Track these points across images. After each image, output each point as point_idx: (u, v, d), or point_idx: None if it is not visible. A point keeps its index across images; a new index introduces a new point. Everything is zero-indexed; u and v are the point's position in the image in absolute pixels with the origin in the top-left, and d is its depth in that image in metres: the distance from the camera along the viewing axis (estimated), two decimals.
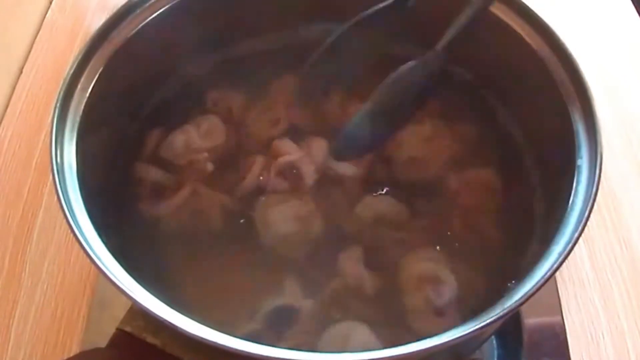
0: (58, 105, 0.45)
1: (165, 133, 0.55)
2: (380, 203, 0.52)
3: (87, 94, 0.47)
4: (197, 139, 0.55)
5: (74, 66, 0.47)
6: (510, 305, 0.37)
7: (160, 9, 0.51)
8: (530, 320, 0.57)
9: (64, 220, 0.40)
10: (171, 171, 0.54)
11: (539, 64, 0.48)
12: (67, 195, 0.42)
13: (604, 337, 0.57)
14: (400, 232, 0.51)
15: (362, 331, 0.46)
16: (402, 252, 0.50)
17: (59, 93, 0.45)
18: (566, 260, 0.39)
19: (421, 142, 0.55)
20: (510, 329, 0.56)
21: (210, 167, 0.54)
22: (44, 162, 0.67)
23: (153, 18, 0.51)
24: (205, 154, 0.54)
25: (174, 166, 0.54)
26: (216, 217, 0.52)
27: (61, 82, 0.46)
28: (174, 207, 0.52)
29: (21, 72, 0.76)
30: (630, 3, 0.83)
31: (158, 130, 0.56)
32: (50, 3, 0.84)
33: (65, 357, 0.47)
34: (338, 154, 0.54)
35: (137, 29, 0.50)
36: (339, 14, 0.56)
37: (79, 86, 0.47)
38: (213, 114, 0.57)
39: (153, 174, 0.54)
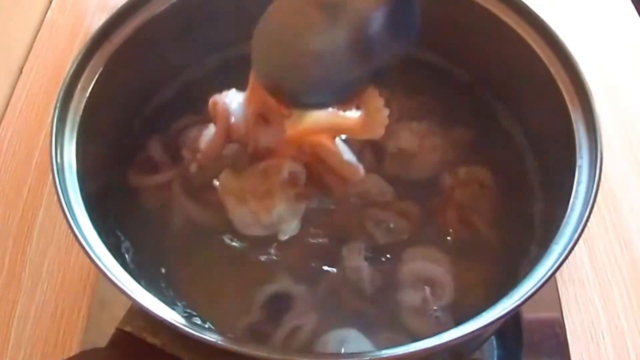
0: (58, 105, 0.45)
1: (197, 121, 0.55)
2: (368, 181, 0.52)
3: (87, 94, 0.47)
4: (205, 139, 0.54)
5: (74, 66, 0.47)
6: (510, 305, 0.37)
7: (160, 8, 0.51)
8: (531, 321, 0.57)
9: (64, 220, 0.40)
10: (170, 157, 0.54)
11: (539, 64, 0.48)
12: (67, 195, 0.42)
13: (604, 337, 0.57)
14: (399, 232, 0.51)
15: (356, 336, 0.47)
16: (402, 248, 0.50)
17: (59, 93, 0.45)
18: (566, 260, 0.39)
19: (421, 141, 0.55)
20: (510, 329, 0.56)
21: (193, 168, 0.53)
22: (44, 162, 0.67)
23: (153, 18, 0.51)
24: (199, 156, 0.54)
25: (176, 153, 0.54)
26: (179, 219, 0.52)
27: (61, 82, 0.46)
28: (146, 185, 0.53)
29: (21, 72, 0.76)
30: (630, 3, 0.83)
31: (192, 117, 0.56)
32: (50, 3, 0.84)
33: (65, 357, 0.47)
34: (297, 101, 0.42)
35: (137, 29, 0.50)
36: None
37: (79, 86, 0.47)
38: None
39: (154, 147, 0.54)
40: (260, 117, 0.45)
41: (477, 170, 0.53)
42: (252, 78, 0.45)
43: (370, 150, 0.54)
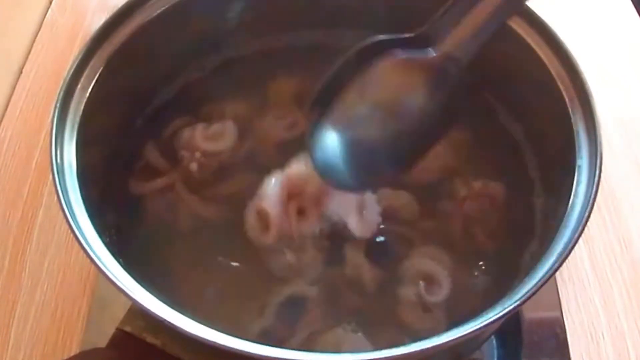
0: (58, 105, 0.45)
1: (187, 122, 0.56)
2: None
3: (87, 94, 0.47)
4: (199, 137, 0.55)
5: (74, 66, 0.47)
6: (510, 305, 0.37)
7: (161, 8, 0.51)
8: (531, 320, 0.57)
9: (64, 220, 0.40)
10: (169, 160, 0.55)
11: (539, 64, 0.48)
12: (67, 195, 0.42)
13: (604, 337, 0.57)
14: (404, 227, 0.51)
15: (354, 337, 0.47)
16: (405, 248, 0.50)
17: (59, 93, 0.45)
18: (566, 260, 0.39)
19: None
20: (510, 329, 0.56)
21: (194, 167, 0.54)
22: (44, 162, 0.67)
23: (153, 18, 0.51)
24: (198, 154, 0.54)
25: (174, 156, 0.55)
26: (185, 218, 0.52)
27: (61, 82, 0.46)
28: (149, 191, 0.53)
29: (21, 72, 0.76)
30: (630, 3, 0.83)
31: (183, 118, 0.56)
32: (50, 3, 0.84)
33: (65, 357, 0.47)
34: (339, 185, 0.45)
35: (137, 28, 0.50)
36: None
37: (79, 86, 0.47)
38: (230, 119, 0.56)
39: (151, 154, 0.54)
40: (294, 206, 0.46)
41: (480, 174, 0.53)
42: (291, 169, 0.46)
43: None
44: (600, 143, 0.43)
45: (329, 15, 0.57)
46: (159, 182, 0.53)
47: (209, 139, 0.55)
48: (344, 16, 0.57)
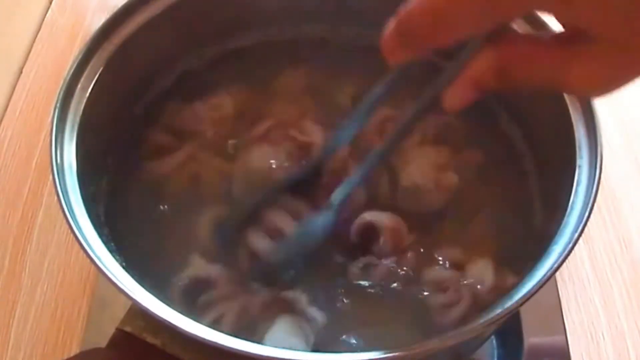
0: (58, 105, 0.45)
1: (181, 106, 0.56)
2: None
3: (87, 94, 0.47)
4: (202, 110, 0.55)
5: (74, 66, 0.47)
6: (510, 305, 0.37)
7: (161, 8, 0.51)
8: (530, 320, 0.57)
9: (64, 220, 0.40)
10: (177, 137, 0.54)
11: None
12: (67, 195, 0.42)
13: (604, 337, 0.57)
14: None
15: None
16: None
17: (59, 93, 0.45)
18: (566, 260, 0.39)
19: (437, 176, 0.52)
20: (510, 329, 0.56)
21: (210, 133, 0.54)
22: (44, 162, 0.67)
23: (153, 17, 0.51)
24: (208, 122, 0.54)
25: (181, 133, 0.55)
26: (213, 179, 0.52)
27: (61, 82, 0.46)
28: (171, 167, 0.52)
29: (21, 72, 0.76)
30: None
31: (175, 104, 0.56)
32: (50, 3, 0.84)
33: (65, 357, 0.47)
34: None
35: (137, 28, 0.50)
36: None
37: (79, 86, 0.47)
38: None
39: (158, 136, 0.54)
40: None
41: (479, 173, 0.53)
42: None
43: (387, 178, 0.52)
44: (600, 143, 0.43)
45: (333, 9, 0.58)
46: (179, 155, 0.53)
47: (212, 109, 0.55)
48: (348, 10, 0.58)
